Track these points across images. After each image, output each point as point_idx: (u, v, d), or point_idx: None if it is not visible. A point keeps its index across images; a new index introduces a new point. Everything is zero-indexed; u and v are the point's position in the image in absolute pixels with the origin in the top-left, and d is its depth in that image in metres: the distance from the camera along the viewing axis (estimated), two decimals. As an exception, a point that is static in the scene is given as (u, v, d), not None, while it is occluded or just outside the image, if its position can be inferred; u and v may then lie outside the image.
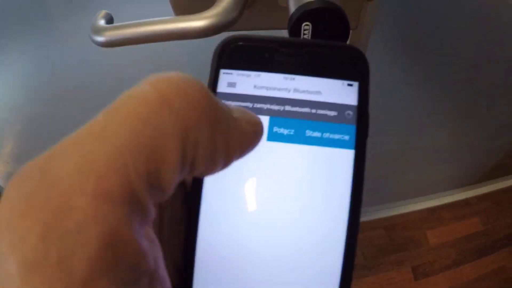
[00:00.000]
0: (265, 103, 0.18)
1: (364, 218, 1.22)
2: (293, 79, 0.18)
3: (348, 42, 0.41)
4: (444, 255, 1.20)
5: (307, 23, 0.24)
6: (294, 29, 0.25)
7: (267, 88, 0.18)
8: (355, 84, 0.18)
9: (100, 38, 0.31)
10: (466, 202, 1.30)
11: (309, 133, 0.18)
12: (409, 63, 0.74)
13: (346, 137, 0.18)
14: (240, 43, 0.18)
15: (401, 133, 0.95)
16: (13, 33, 0.55)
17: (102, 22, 0.32)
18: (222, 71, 0.18)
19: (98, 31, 0.31)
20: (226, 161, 0.12)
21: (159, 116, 0.09)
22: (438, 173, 1.22)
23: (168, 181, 0.10)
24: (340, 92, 0.18)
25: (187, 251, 0.17)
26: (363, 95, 0.18)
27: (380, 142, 0.93)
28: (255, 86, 0.18)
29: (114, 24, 0.30)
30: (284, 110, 0.18)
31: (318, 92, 0.18)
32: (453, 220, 1.27)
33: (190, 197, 0.18)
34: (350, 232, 0.18)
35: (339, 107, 0.18)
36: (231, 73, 0.18)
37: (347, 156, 0.18)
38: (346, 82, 0.18)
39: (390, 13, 0.60)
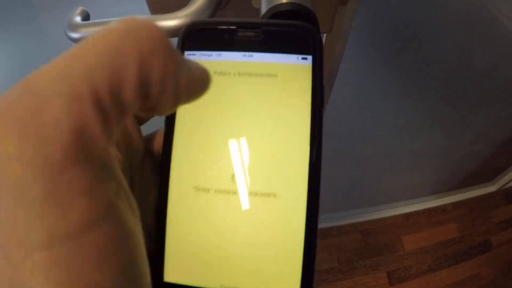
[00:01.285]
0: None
1: (340, 222, 1.24)
2: (251, 56, 0.20)
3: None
4: (420, 260, 1.23)
5: None
6: None
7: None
8: (309, 58, 0.20)
9: (75, 35, 0.31)
10: (442, 208, 1.33)
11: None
12: (386, 69, 0.75)
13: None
14: (201, 26, 0.20)
15: (377, 139, 0.96)
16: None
17: (78, 19, 0.32)
18: (186, 52, 0.20)
19: (74, 27, 0.31)
20: (176, 98, 0.13)
21: (122, 41, 0.11)
22: (415, 179, 1.24)
23: (128, 98, 0.12)
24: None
25: (158, 216, 0.19)
26: (316, 67, 0.19)
27: (357, 147, 0.95)
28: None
29: (89, 21, 0.31)
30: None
31: None
32: (429, 226, 1.29)
33: (160, 160, 0.19)
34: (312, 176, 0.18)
35: None
36: (194, 54, 0.20)
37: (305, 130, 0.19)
38: (300, 56, 0.20)
39: (368, 19, 0.61)
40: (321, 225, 1.21)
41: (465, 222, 1.32)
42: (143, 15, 0.29)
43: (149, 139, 0.21)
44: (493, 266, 1.24)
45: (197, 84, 0.14)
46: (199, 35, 0.20)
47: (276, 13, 0.25)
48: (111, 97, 0.11)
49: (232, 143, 0.19)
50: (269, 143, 0.19)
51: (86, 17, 0.34)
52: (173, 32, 0.27)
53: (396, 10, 0.63)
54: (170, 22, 0.27)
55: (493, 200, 1.38)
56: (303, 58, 0.19)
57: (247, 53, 0.20)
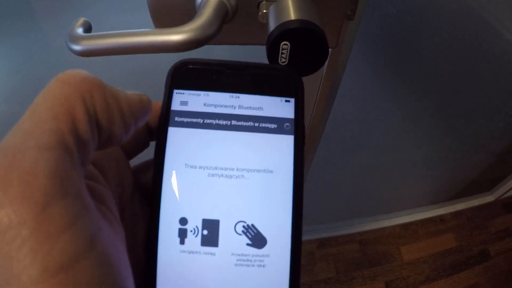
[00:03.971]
0: (213, 118, 0.20)
1: (338, 232, 1.23)
2: (238, 97, 0.21)
3: (327, 60, 0.42)
4: (418, 270, 1.22)
5: (286, 42, 0.25)
6: (273, 48, 0.25)
7: (215, 106, 0.21)
8: (292, 100, 0.21)
9: (76, 47, 0.30)
10: (441, 218, 1.33)
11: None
12: (386, 81, 0.75)
13: (287, 145, 0.20)
14: (191, 66, 0.21)
15: (376, 149, 0.96)
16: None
17: (79, 30, 0.32)
18: (175, 91, 0.21)
19: (75, 39, 0.30)
20: (124, 123, 0.16)
21: (65, 91, 0.14)
22: (413, 189, 1.24)
23: (84, 134, 0.14)
24: (279, 107, 0.21)
25: (148, 251, 0.19)
26: (298, 109, 0.21)
27: (356, 157, 0.95)
28: (205, 104, 0.21)
29: (91, 34, 0.30)
30: (230, 124, 0.20)
31: (260, 108, 0.21)
32: (427, 236, 1.29)
33: (150, 198, 0.19)
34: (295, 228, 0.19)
35: (279, 120, 0.21)
36: (183, 93, 0.21)
37: (288, 159, 0.20)
38: (284, 99, 0.21)
39: (372, 31, 0.61)
40: (320, 235, 1.21)
41: (463, 232, 1.32)
42: (147, 28, 0.29)
43: (138, 170, 0.22)
44: (491, 276, 1.24)
45: (138, 107, 0.16)
46: (188, 74, 0.21)
47: (285, 30, 0.24)
48: (73, 138, 0.13)
49: (219, 182, 0.19)
50: (254, 183, 0.19)
51: (88, 28, 0.33)
52: (178, 46, 0.26)
53: (397, 22, 0.63)
54: (175, 36, 0.26)
55: (491, 210, 1.38)
56: (286, 101, 0.21)
57: (234, 95, 0.21)
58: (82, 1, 0.50)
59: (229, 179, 0.19)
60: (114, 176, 0.18)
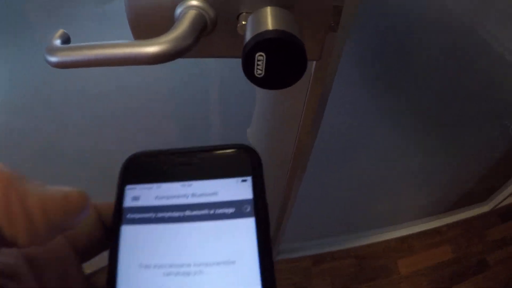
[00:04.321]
0: (166, 211, 0.19)
1: (334, 247, 1.21)
2: (190, 185, 0.20)
3: (312, 73, 0.41)
4: (416, 284, 1.20)
5: (261, 53, 0.24)
6: (247, 59, 0.24)
7: (168, 197, 0.20)
8: (249, 179, 0.20)
9: (52, 59, 0.30)
10: (437, 230, 1.32)
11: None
12: (378, 93, 0.75)
13: (248, 230, 0.18)
14: (141, 159, 0.21)
15: (371, 162, 0.96)
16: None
17: (57, 42, 0.31)
18: (127, 186, 0.20)
19: (51, 51, 0.30)
20: (33, 227, 0.13)
21: None
22: (408, 202, 1.23)
23: None
24: (235, 189, 0.19)
25: None
26: (257, 188, 0.19)
27: (349, 171, 0.94)
28: (156, 197, 0.20)
29: (67, 45, 0.29)
30: (184, 215, 0.19)
31: (215, 193, 0.19)
32: (424, 249, 1.28)
33: None
34: None
35: (236, 204, 0.19)
36: (135, 188, 0.20)
37: (251, 245, 0.18)
38: (240, 179, 0.20)
39: (362, 44, 0.61)
40: (315, 251, 1.19)
41: (460, 243, 1.31)
42: (127, 40, 0.28)
43: (95, 275, 0.21)
44: (490, 285, 1.22)
45: (57, 208, 0.14)
46: (139, 168, 0.21)
47: (261, 40, 0.23)
48: None
49: (176, 281, 0.18)
50: (214, 278, 0.18)
51: (66, 40, 0.32)
52: (152, 59, 0.26)
53: (388, 35, 0.63)
54: (149, 48, 0.25)
55: (488, 219, 1.37)
56: (242, 180, 0.20)
57: (186, 183, 0.20)
58: (77, 16, 0.50)
59: (187, 277, 0.18)
60: (53, 279, 0.17)
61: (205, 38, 0.29)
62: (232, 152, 0.21)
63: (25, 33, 0.52)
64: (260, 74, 0.24)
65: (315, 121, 0.48)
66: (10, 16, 0.51)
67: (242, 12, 0.28)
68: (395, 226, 1.28)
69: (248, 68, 0.24)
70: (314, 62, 0.39)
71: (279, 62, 0.24)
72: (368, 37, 0.61)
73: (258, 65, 0.24)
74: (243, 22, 0.27)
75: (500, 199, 1.32)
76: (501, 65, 0.82)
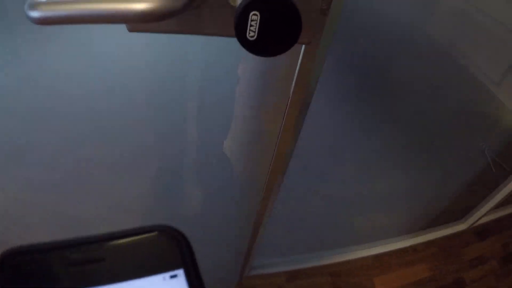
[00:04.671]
0: None
1: (309, 264, 1.19)
2: None
3: (300, 58, 0.41)
4: (392, 300, 1.19)
5: (255, 12, 0.23)
6: (241, 19, 0.23)
7: None
8: (180, 273, 0.14)
9: (34, 14, 0.28)
10: (413, 248, 1.32)
11: None
12: (354, 111, 0.76)
13: None
14: (20, 258, 0.14)
15: (346, 180, 0.96)
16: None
17: (39, -1, 0.30)
18: None
19: (34, 5, 0.28)
20: None
21: None
22: (385, 220, 1.24)
23: None
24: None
25: None
26: (194, 283, 0.14)
27: (326, 188, 0.94)
28: None
29: (51, 0, 0.28)
30: None
31: None
32: (400, 267, 1.27)
33: None
34: None
35: None
36: None
37: None
38: (167, 274, 0.14)
39: (342, 61, 0.62)
40: (290, 267, 1.16)
41: (437, 261, 1.31)
42: None
43: None
44: (466, 305, 1.23)
45: None
46: (16, 269, 0.13)
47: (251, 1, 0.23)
48: None
49: None
50: None
51: (49, -1, 0.31)
52: (141, 16, 0.25)
53: (368, 54, 0.64)
54: (141, 4, 0.25)
55: (464, 238, 1.39)
56: (172, 276, 0.14)
57: None
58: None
59: None
60: None
61: (195, 12, 0.28)
62: (152, 237, 0.14)
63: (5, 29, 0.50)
64: (252, 36, 0.24)
65: (294, 134, 0.48)
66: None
67: (235, -18, 0.28)
68: (371, 244, 1.27)
69: (240, 29, 0.23)
70: (303, 49, 0.39)
71: (274, 23, 0.23)
72: (348, 54, 0.62)
73: (251, 25, 0.23)
74: (236, -9, 0.27)
75: (476, 217, 1.34)
76: (477, 87, 0.85)
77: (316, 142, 0.75)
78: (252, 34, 0.24)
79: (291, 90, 0.42)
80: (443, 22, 0.66)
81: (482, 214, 1.31)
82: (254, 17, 0.23)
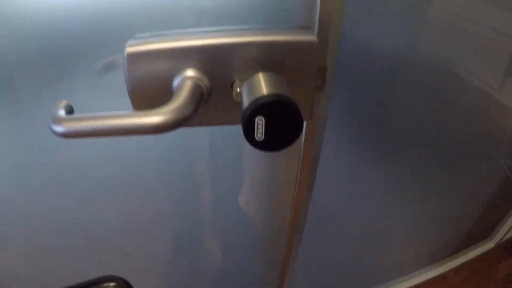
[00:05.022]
0: None
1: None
2: None
3: (303, 133, 0.43)
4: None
5: (261, 117, 0.25)
6: (248, 124, 0.26)
7: None
8: None
9: (59, 129, 0.31)
10: (442, 276, 1.28)
11: None
12: (367, 146, 0.77)
13: None
14: None
15: (366, 218, 0.95)
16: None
17: (62, 112, 0.33)
18: None
19: (58, 121, 0.31)
20: None
21: None
22: (409, 252, 1.21)
23: None
24: None
25: None
26: None
27: (348, 227, 0.93)
28: None
29: (73, 116, 0.31)
30: None
31: None
32: (432, 297, 1.23)
33: None
34: None
35: None
36: None
37: None
38: None
39: (343, 100, 0.63)
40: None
41: (471, 285, 1.26)
42: (126, 110, 0.30)
43: None
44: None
45: None
46: None
47: (259, 105, 0.25)
48: None
49: None
50: None
51: (70, 110, 0.34)
52: (155, 129, 0.27)
53: (368, 87, 0.66)
54: (153, 118, 0.27)
55: (494, 255, 1.34)
56: None
57: None
58: (65, 88, 0.51)
59: None
60: None
61: (202, 106, 0.31)
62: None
63: (26, 105, 0.53)
64: (260, 137, 0.26)
65: (310, 179, 0.50)
66: (8, 87, 0.53)
67: (236, 80, 0.31)
68: (398, 279, 1.23)
69: (249, 133, 0.26)
70: (305, 124, 0.41)
71: (278, 124, 0.25)
72: (346, 93, 0.63)
73: (258, 129, 0.25)
74: (238, 90, 0.30)
75: (503, 232, 1.30)
76: (479, 97, 0.85)
77: (333, 183, 0.76)
78: (259, 135, 0.26)
79: (302, 145, 0.44)
80: (436, 40, 0.68)
81: (509, 228, 1.27)
82: (260, 122, 0.25)
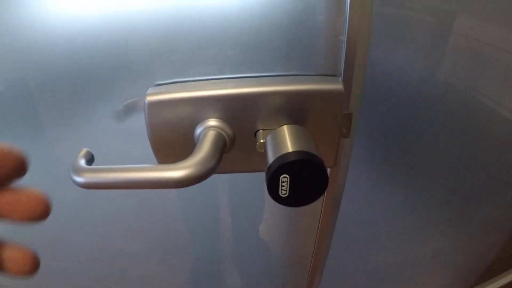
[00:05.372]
0: None
1: None
2: None
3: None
4: None
5: (285, 175, 0.25)
6: (272, 181, 0.25)
7: None
8: None
9: (79, 179, 0.31)
10: (467, 306, 1.22)
11: None
12: (387, 178, 0.76)
13: None
14: None
15: (388, 248, 0.92)
16: None
17: (82, 162, 0.32)
18: None
19: (78, 171, 0.31)
20: None
21: None
22: (432, 284, 1.16)
23: None
24: None
25: None
26: None
27: (367, 261, 0.90)
28: None
29: (94, 167, 0.30)
30: None
31: None
32: (457, 329, 1.16)
33: None
34: None
35: None
36: None
37: None
38: None
39: (366, 131, 0.62)
40: None
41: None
42: (150, 164, 0.29)
43: None
44: None
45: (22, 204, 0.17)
46: None
47: (284, 164, 0.24)
48: None
49: None
50: None
51: (90, 159, 0.34)
52: (179, 183, 0.27)
53: (390, 117, 0.65)
54: (175, 173, 0.26)
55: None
56: None
57: None
58: (97, 131, 0.51)
59: None
60: None
61: (225, 155, 0.30)
62: None
63: (46, 148, 0.54)
64: (284, 194, 0.25)
65: (333, 212, 0.48)
66: (30, 131, 0.53)
67: (259, 129, 0.30)
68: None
69: (273, 189, 0.25)
70: (328, 170, 0.40)
71: (302, 181, 0.25)
72: (369, 125, 0.63)
73: (282, 186, 0.24)
74: (262, 140, 0.29)
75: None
76: (507, 127, 0.84)
77: (354, 221, 0.74)
78: (284, 192, 0.25)
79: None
80: (458, 67, 0.66)
81: (535, 260, 1.22)
82: (284, 179, 0.24)
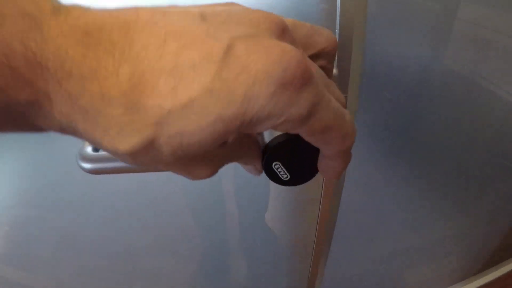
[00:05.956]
0: None
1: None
2: None
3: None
4: None
5: (276, 162, 0.25)
6: (269, 173, 0.25)
7: None
8: None
9: (86, 166, 0.32)
10: (472, 293, 1.23)
11: None
12: (393, 164, 0.76)
13: None
14: None
15: (392, 236, 0.93)
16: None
17: (89, 149, 0.33)
18: None
19: (85, 158, 0.32)
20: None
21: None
22: (437, 270, 1.17)
23: None
24: None
25: None
26: None
27: (372, 247, 0.91)
28: None
29: (100, 153, 0.32)
30: None
31: None
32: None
33: None
34: None
35: None
36: None
37: None
38: None
39: (368, 119, 0.62)
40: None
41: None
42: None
43: None
44: None
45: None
46: None
47: (268, 155, 0.24)
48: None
49: None
50: None
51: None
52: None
53: (394, 105, 0.65)
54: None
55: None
56: None
57: None
58: None
59: None
60: None
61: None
62: None
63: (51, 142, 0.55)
64: (286, 177, 0.25)
65: (335, 196, 0.49)
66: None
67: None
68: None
69: (275, 179, 0.25)
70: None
71: (295, 159, 0.25)
72: (371, 112, 0.62)
73: (280, 172, 0.25)
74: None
75: (534, 251, 1.24)
76: (505, 110, 0.83)
77: (356, 204, 0.75)
78: (284, 176, 0.25)
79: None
80: (462, 53, 0.65)
81: (541, 246, 1.21)
82: (278, 166, 0.25)
